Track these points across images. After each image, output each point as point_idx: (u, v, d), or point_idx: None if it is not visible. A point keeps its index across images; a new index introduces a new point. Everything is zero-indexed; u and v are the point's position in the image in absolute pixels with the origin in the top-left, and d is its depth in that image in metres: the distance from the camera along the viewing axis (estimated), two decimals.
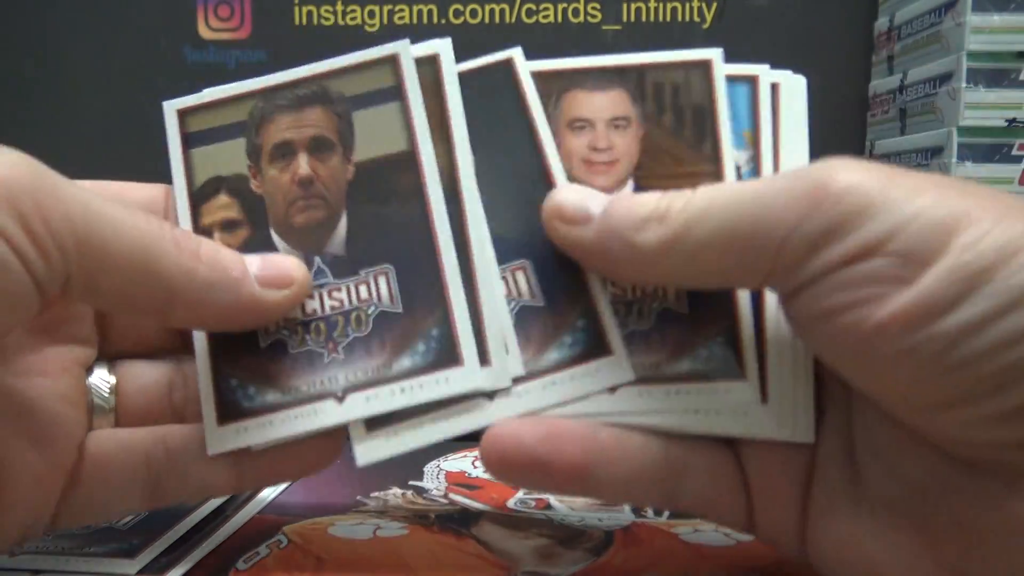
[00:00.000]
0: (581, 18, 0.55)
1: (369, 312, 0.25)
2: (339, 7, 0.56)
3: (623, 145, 0.26)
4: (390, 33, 0.56)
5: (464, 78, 0.26)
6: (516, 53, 0.26)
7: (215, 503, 0.31)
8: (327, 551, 0.27)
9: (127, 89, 0.56)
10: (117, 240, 0.21)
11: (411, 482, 0.34)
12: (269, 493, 0.33)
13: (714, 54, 0.26)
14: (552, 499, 0.32)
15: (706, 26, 0.55)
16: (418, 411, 0.24)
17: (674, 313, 0.24)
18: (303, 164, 0.26)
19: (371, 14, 0.56)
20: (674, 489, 0.24)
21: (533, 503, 0.32)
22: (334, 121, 0.26)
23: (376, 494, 0.33)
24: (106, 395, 0.26)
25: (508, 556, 0.27)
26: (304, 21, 0.56)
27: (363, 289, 0.25)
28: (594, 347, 0.24)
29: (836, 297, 0.19)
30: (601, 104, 0.26)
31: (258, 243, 0.26)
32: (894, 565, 0.21)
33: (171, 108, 0.27)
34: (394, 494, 0.33)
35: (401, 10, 0.55)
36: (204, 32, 0.56)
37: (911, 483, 0.21)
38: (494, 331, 0.24)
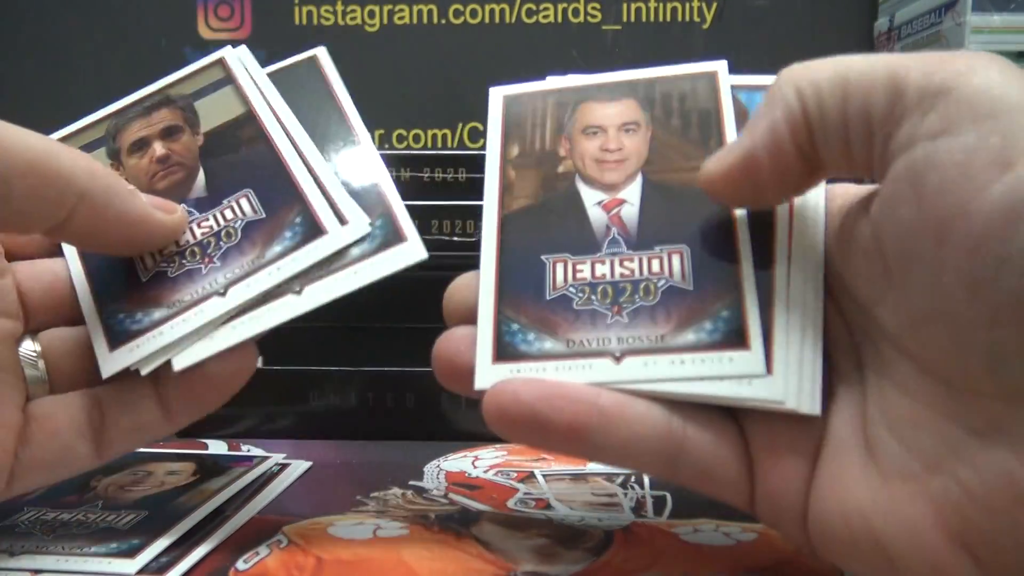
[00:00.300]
0: (581, 18, 0.55)
1: (236, 226, 0.28)
2: (339, 7, 0.56)
3: (632, 145, 0.28)
4: (390, 33, 0.56)
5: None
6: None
7: (215, 503, 0.31)
8: (327, 551, 0.27)
9: (127, 89, 0.56)
10: (21, 142, 0.23)
11: (411, 482, 0.34)
12: (269, 493, 0.33)
13: (719, 66, 0.29)
14: (552, 499, 0.32)
15: (706, 26, 0.55)
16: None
17: (679, 289, 0.25)
18: (159, 148, 0.30)
19: (371, 14, 0.56)
20: (675, 459, 0.24)
21: (533, 503, 0.32)
22: (179, 114, 0.31)
23: (376, 494, 0.33)
24: (35, 360, 0.27)
25: (508, 556, 0.27)
26: (304, 21, 0.56)
27: (228, 212, 0.29)
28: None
29: (938, 172, 0.19)
30: (613, 112, 0.29)
31: None
32: (903, 538, 0.21)
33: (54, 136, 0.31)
34: (394, 494, 0.33)
35: (401, 10, 0.55)
36: (204, 32, 0.56)
37: (924, 455, 0.21)
38: (344, 200, 0.28)
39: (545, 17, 0.55)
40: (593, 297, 0.26)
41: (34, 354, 0.27)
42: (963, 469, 0.20)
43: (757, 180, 0.24)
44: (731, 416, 0.24)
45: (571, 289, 0.26)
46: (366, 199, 0.29)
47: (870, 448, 0.22)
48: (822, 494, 0.23)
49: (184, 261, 0.28)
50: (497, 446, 0.39)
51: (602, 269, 0.26)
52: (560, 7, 0.55)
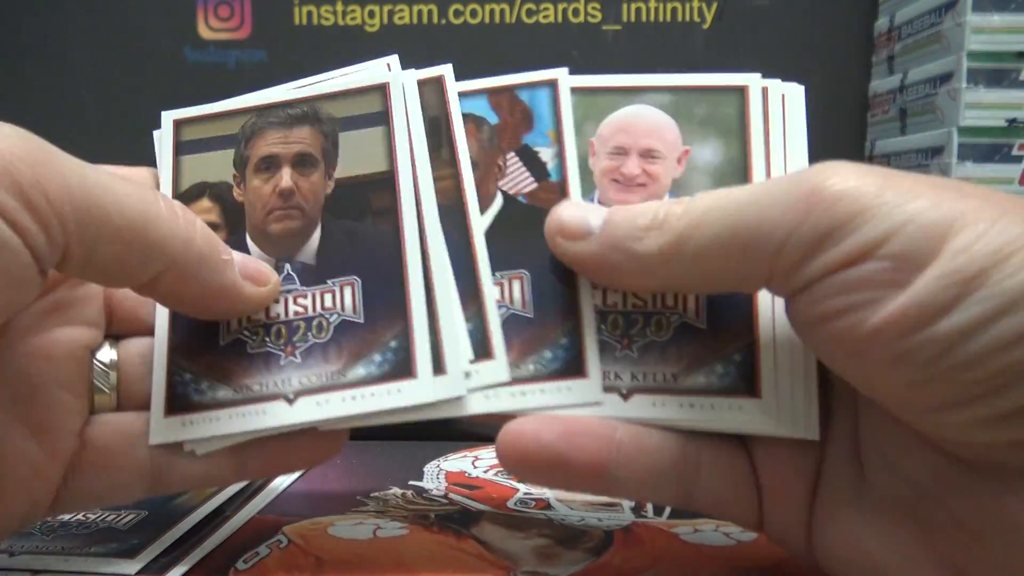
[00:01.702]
0: (581, 18, 0.55)
1: (331, 320, 0.25)
2: (339, 7, 0.56)
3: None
4: (390, 33, 0.56)
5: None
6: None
7: (215, 503, 0.31)
8: (327, 551, 0.27)
9: (128, 89, 0.56)
10: (116, 207, 0.21)
11: (411, 482, 0.34)
12: (269, 493, 0.33)
13: (445, 70, 0.27)
14: (552, 499, 0.32)
15: (706, 26, 0.55)
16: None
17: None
18: (286, 177, 0.27)
19: (371, 14, 0.56)
20: (690, 488, 0.24)
21: (533, 503, 0.32)
22: (320, 139, 0.27)
23: (376, 494, 0.33)
24: (106, 371, 0.26)
25: (508, 556, 0.27)
26: (304, 21, 0.56)
27: (328, 297, 0.26)
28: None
29: (832, 301, 0.19)
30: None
31: (233, 246, 0.26)
32: (896, 564, 0.21)
33: (168, 118, 0.28)
34: (394, 494, 0.33)
35: (401, 10, 0.55)
36: (204, 32, 0.56)
37: (913, 483, 0.21)
38: (451, 341, 0.24)
39: (545, 17, 0.55)
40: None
41: (107, 365, 0.26)
42: (952, 498, 0.20)
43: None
44: (740, 443, 0.24)
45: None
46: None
47: (864, 473, 0.23)
48: (822, 518, 0.23)
49: (267, 339, 0.25)
50: None
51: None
52: (560, 7, 0.55)
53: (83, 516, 0.30)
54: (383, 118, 0.27)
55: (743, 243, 0.20)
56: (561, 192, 0.26)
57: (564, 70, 0.27)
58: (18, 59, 0.57)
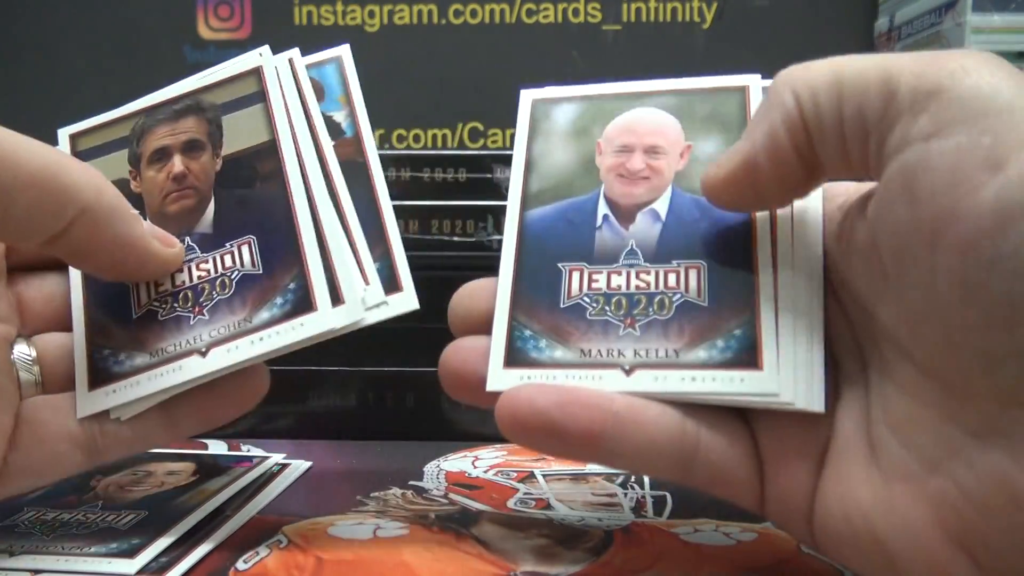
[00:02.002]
0: (581, 18, 0.55)
1: (232, 276, 0.27)
2: (339, 7, 0.56)
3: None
4: (390, 33, 0.56)
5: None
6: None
7: (215, 503, 0.31)
8: (327, 551, 0.27)
9: (127, 89, 0.56)
10: (27, 154, 0.22)
11: (411, 482, 0.34)
12: (269, 493, 0.33)
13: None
14: (552, 499, 0.32)
15: (706, 26, 0.55)
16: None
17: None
18: (177, 163, 0.29)
19: (371, 14, 0.56)
20: (689, 462, 0.24)
21: (533, 503, 0.32)
22: (205, 126, 0.30)
23: (376, 494, 0.33)
24: (30, 363, 0.27)
25: (508, 556, 0.27)
26: (304, 21, 0.56)
27: (227, 259, 0.28)
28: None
29: (929, 169, 0.19)
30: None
31: None
32: (903, 540, 0.21)
33: (64, 134, 0.31)
34: (394, 494, 0.33)
35: (401, 10, 0.55)
36: (204, 32, 0.56)
37: (923, 456, 0.21)
38: (345, 275, 0.27)
39: (545, 17, 0.55)
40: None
41: (29, 358, 0.27)
42: (960, 470, 0.20)
43: (758, 184, 0.24)
44: (742, 418, 0.25)
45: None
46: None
47: (873, 448, 0.23)
48: (827, 494, 0.23)
49: (176, 305, 0.27)
50: (497, 446, 0.39)
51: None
52: (560, 7, 0.55)
53: (83, 516, 0.30)
54: (260, 96, 0.30)
55: (870, 79, 0.21)
56: (356, 144, 0.29)
57: (346, 47, 0.31)
58: (17, 58, 0.57)
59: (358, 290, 0.27)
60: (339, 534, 0.29)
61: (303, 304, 0.26)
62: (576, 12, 0.55)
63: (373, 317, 0.27)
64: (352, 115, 0.30)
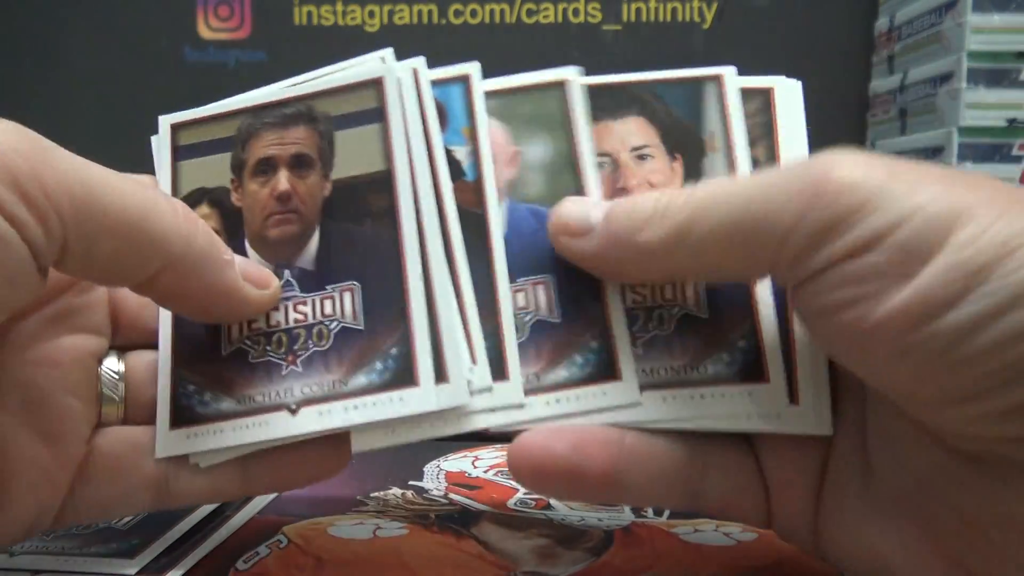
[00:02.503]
0: (581, 18, 0.55)
1: (331, 327, 0.25)
2: (339, 7, 0.56)
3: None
4: (390, 33, 0.56)
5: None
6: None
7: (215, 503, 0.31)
8: (327, 551, 0.27)
9: (128, 89, 0.56)
10: (115, 201, 0.21)
11: (411, 482, 0.34)
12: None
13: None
14: (552, 499, 0.32)
15: (706, 26, 0.55)
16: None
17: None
18: (283, 180, 0.26)
19: (371, 14, 0.56)
20: (698, 489, 0.24)
21: (533, 503, 0.32)
22: (316, 139, 0.26)
23: (376, 494, 0.33)
24: (115, 382, 0.26)
25: (508, 556, 0.27)
26: (304, 21, 0.56)
27: (328, 304, 0.25)
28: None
29: (838, 293, 0.19)
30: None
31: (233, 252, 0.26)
32: (900, 557, 0.21)
33: (166, 122, 0.28)
34: (394, 494, 0.33)
35: (401, 10, 0.55)
36: (204, 32, 0.56)
37: (918, 477, 0.21)
38: (452, 349, 0.24)
39: (545, 17, 0.55)
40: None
41: (116, 375, 0.26)
42: (955, 493, 0.20)
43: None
44: (746, 443, 0.25)
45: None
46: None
47: (870, 468, 0.23)
48: (827, 514, 0.23)
49: (268, 348, 0.25)
50: (497, 446, 0.39)
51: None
52: (560, 7, 0.55)
53: None
54: (378, 114, 0.26)
55: (746, 232, 0.20)
56: (477, 191, 0.25)
57: (476, 64, 0.26)
58: (17, 59, 0.57)
59: (464, 369, 0.24)
60: (339, 534, 0.29)
61: (404, 375, 0.24)
62: (576, 12, 0.55)
63: (478, 403, 0.24)
64: (475, 154, 0.26)
